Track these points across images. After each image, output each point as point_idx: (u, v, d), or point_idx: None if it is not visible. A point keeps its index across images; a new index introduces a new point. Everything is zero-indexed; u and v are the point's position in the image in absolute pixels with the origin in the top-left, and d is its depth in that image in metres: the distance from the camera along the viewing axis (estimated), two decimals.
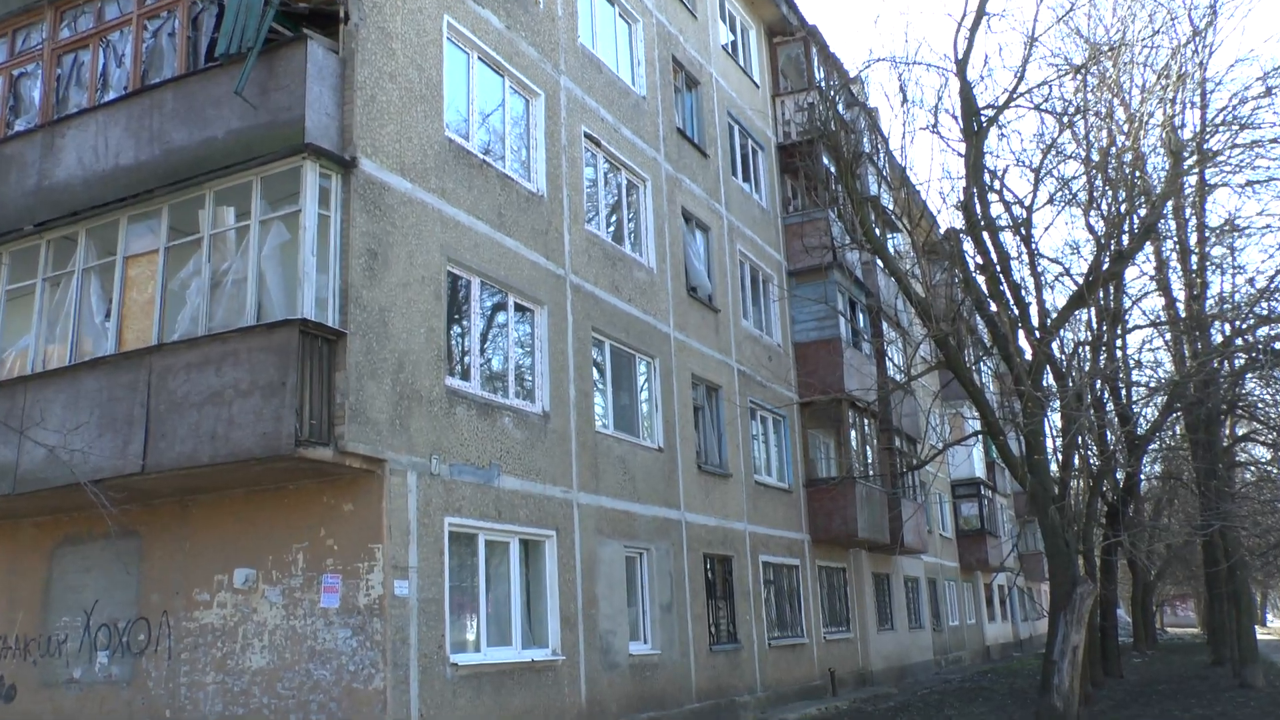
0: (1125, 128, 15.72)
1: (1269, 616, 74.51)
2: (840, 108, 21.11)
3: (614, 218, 16.17)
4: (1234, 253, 19.90)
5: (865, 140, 23.67)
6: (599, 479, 13.73)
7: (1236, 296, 18.89)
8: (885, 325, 24.39)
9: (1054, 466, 16.91)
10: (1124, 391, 20.93)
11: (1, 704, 11.75)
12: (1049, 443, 16.36)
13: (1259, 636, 29.17)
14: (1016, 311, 15.81)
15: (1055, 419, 18.13)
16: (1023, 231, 16.13)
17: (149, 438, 9.79)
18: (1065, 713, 13.90)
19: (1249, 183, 16.28)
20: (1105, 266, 15.95)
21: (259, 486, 10.49)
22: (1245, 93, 15.85)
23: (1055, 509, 14.92)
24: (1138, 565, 32.05)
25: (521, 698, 11.37)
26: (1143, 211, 15.81)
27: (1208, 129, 16.68)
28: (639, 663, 13.93)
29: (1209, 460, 20.48)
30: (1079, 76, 15.77)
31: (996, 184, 16.24)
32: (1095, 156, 16.13)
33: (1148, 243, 18.41)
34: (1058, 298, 30.06)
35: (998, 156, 35.61)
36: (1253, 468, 26.02)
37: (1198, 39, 16.65)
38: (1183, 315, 20.03)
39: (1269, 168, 24.18)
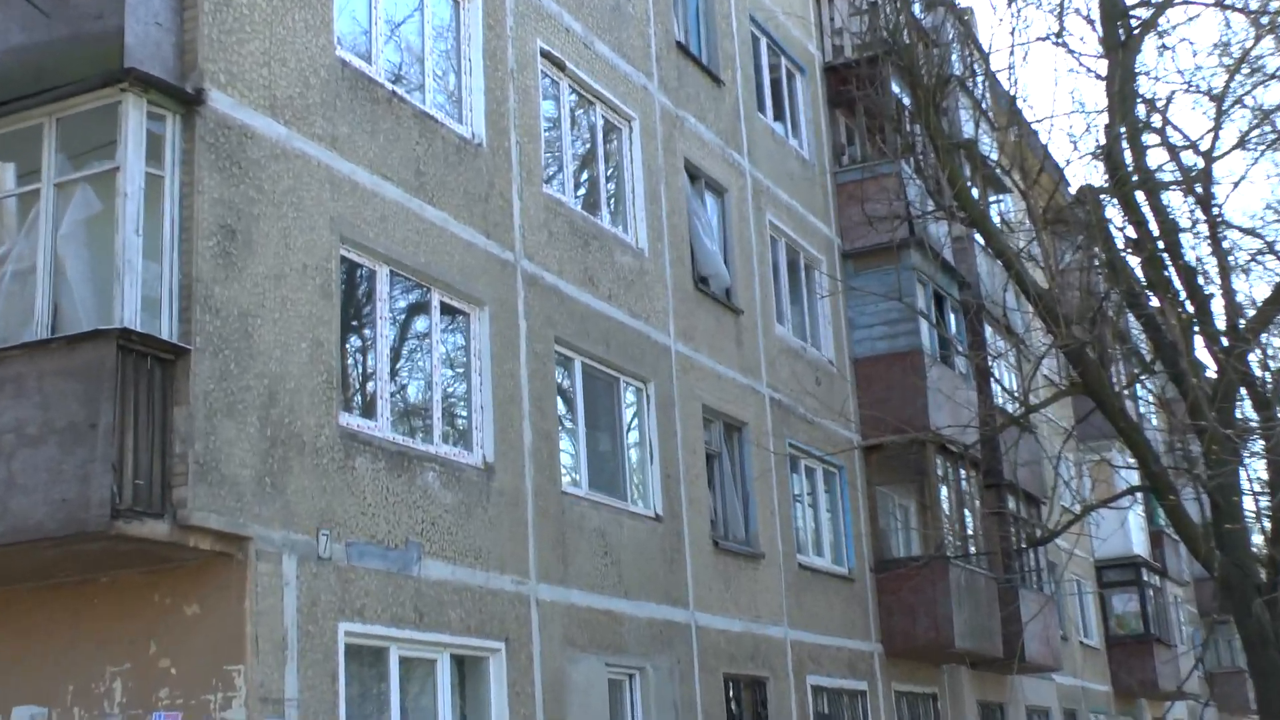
0: None
1: None
2: (917, 7, 21.19)
3: (586, 175, 16.21)
4: None
5: (956, 58, 23.77)
6: (568, 563, 13.70)
7: None
8: (990, 331, 24.48)
9: (1257, 539, 16.86)
10: None
11: None
12: (1248, 503, 16.31)
13: None
14: (1191, 308, 15.81)
15: (1257, 468, 18.10)
16: (1198, 190, 16.16)
17: None
18: None
19: None
20: None
21: (55, 579, 10.39)
22: None
23: (1261, 604, 14.82)
24: None
25: None
26: None
27: None
28: None
29: None
30: None
31: (1156, 120, 16.30)
32: None
33: None
34: (1255, 287, 30.15)
35: (1158, 79, 35.60)
36: None
37: None
38: None
39: None
